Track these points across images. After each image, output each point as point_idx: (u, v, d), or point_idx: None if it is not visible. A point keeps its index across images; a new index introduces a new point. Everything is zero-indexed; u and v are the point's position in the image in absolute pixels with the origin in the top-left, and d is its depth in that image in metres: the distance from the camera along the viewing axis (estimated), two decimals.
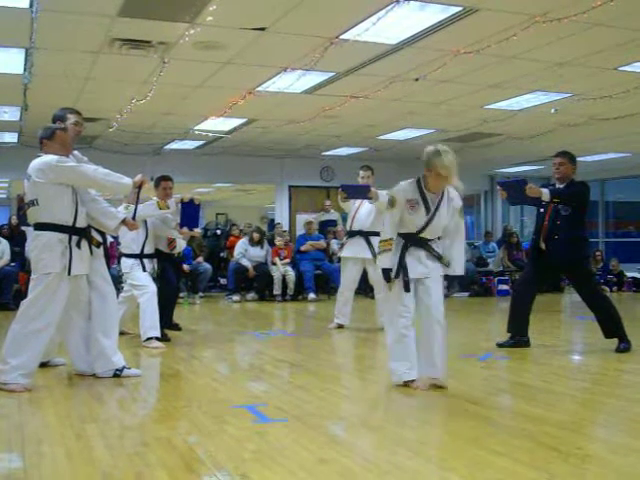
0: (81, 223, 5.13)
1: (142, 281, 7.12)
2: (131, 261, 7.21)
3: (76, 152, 5.53)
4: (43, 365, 5.45)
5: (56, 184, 5.00)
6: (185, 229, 7.52)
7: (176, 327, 7.88)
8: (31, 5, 6.15)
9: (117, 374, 5.30)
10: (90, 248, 5.25)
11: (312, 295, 12.47)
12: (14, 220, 12.07)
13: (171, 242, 7.57)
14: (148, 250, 7.27)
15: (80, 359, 5.42)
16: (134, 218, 5.49)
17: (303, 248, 13.06)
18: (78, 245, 5.07)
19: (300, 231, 15.32)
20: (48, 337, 5.06)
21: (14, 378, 4.88)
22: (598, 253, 15.43)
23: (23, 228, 11.39)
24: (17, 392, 4.81)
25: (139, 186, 5.33)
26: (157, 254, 7.45)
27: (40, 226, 5.05)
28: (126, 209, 6.18)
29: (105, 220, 5.36)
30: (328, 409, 4.53)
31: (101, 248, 5.53)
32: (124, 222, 5.44)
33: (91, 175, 5.09)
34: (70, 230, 5.04)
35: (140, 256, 7.19)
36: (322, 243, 13.29)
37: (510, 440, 3.69)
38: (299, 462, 3.34)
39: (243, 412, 4.26)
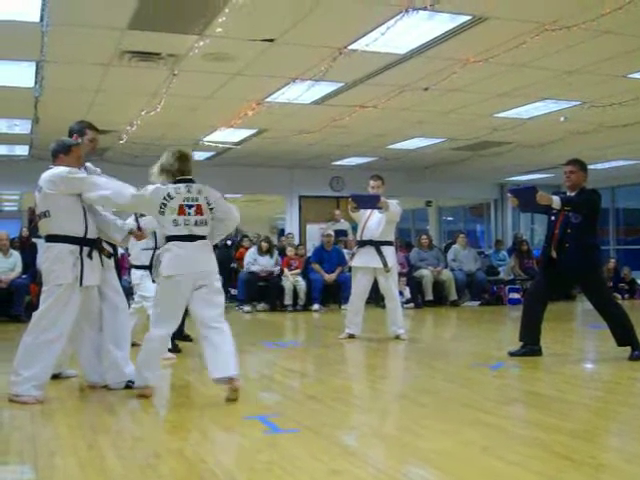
0: (92, 234, 5.14)
1: (152, 292, 7.12)
2: (140, 272, 7.23)
3: (89, 164, 5.55)
4: (55, 377, 5.45)
5: (67, 195, 5.02)
6: None
7: (187, 338, 7.88)
8: (41, 19, 6.20)
9: (129, 385, 5.29)
10: (101, 259, 5.26)
11: (316, 306, 12.46)
12: (25, 232, 12.12)
13: None
14: None
15: (92, 370, 5.42)
16: (139, 228, 5.48)
17: (316, 269, 12.91)
18: (89, 256, 5.09)
19: (310, 241, 15.33)
20: (60, 348, 5.07)
21: (27, 390, 4.89)
22: (612, 261, 15.34)
23: (34, 240, 11.44)
24: (29, 404, 4.82)
25: None
26: None
27: (51, 238, 5.07)
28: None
29: (112, 233, 5.37)
30: (340, 419, 4.52)
31: (112, 259, 5.55)
32: (131, 233, 5.45)
33: (103, 185, 5.10)
34: (81, 241, 5.06)
35: (150, 267, 7.20)
36: (332, 276, 12.87)
37: (523, 449, 3.67)
38: (311, 473, 3.33)
39: (254, 423, 4.26)
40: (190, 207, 4.97)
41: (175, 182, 5.02)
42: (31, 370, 4.90)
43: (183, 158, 5.09)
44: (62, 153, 5.18)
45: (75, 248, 5.03)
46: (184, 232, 4.96)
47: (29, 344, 4.95)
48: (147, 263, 7.19)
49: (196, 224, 4.98)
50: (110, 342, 5.32)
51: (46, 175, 5.08)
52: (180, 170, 5.04)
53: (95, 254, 5.16)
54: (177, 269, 4.93)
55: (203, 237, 5.03)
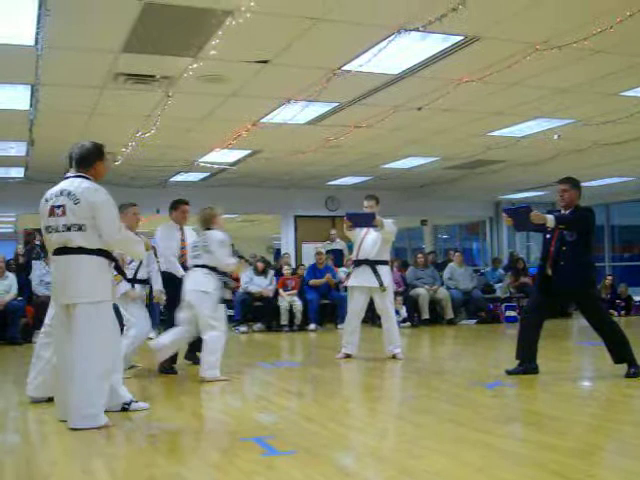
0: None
1: (133, 316, 7.14)
2: (123, 284, 7.14)
3: None
4: (51, 400, 5.42)
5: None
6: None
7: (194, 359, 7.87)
8: (36, 42, 6.23)
9: (125, 408, 5.26)
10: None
11: (312, 326, 12.46)
12: (20, 250, 12.03)
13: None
14: (141, 276, 7.30)
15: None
16: None
17: (312, 283, 12.98)
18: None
19: (306, 261, 15.32)
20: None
21: (104, 419, 4.84)
22: (609, 278, 15.36)
23: (34, 262, 11.41)
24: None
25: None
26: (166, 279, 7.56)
27: (89, 251, 4.91)
28: None
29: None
30: (337, 440, 4.50)
31: None
32: None
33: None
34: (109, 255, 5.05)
35: (133, 280, 7.17)
36: (329, 277, 13.14)
37: (519, 469, 3.66)
38: None
39: (251, 445, 4.24)
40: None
41: None
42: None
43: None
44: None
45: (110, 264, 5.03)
46: None
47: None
48: (130, 276, 7.14)
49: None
50: None
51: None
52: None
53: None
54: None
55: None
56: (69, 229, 4.86)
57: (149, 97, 8.11)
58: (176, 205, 7.82)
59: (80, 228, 4.85)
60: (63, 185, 4.98)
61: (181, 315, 6.93)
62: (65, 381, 4.90)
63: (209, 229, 7.00)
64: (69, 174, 5.05)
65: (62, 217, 4.88)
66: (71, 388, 4.79)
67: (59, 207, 4.90)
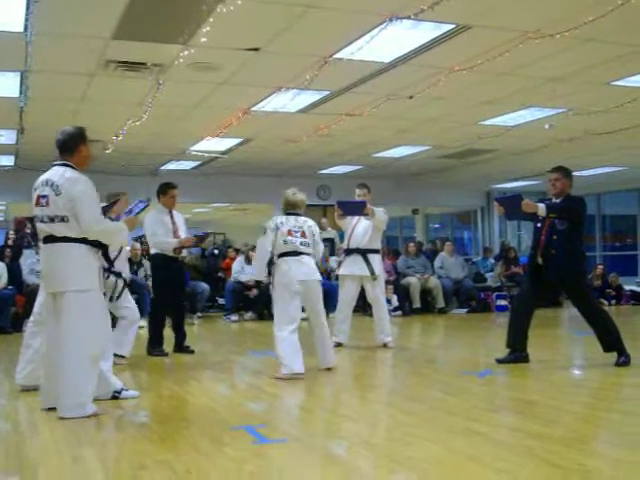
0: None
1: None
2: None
3: None
4: (37, 389, 5.39)
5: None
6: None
7: (188, 349, 7.89)
8: (26, 29, 6.18)
9: (115, 396, 5.25)
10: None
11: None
12: (11, 235, 11.96)
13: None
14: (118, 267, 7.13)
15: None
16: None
17: None
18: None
19: None
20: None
21: (92, 408, 4.82)
22: (600, 267, 15.41)
23: (25, 251, 11.34)
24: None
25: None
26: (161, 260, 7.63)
27: (75, 240, 4.87)
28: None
29: None
30: (327, 429, 4.51)
31: None
32: None
33: None
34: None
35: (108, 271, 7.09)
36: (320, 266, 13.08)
37: (510, 457, 3.67)
38: None
39: (242, 433, 4.23)
40: None
41: None
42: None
43: None
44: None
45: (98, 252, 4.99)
46: None
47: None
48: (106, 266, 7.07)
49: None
50: None
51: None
52: None
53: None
54: None
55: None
56: (52, 220, 4.86)
57: (140, 85, 8.08)
58: (165, 189, 7.78)
59: (63, 219, 4.84)
60: (49, 174, 4.96)
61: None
62: (53, 369, 4.88)
63: (300, 215, 6.87)
64: (55, 162, 5.02)
65: (46, 208, 4.88)
66: (59, 376, 4.78)
67: (44, 197, 4.89)
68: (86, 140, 5.07)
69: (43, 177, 4.97)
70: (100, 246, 5.02)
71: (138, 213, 5.37)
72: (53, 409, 4.84)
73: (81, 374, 4.76)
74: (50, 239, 4.89)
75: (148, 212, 7.86)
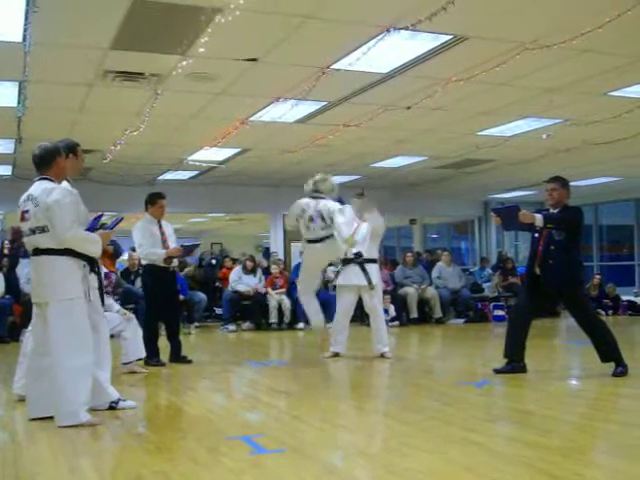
0: None
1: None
2: None
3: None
4: None
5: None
6: None
7: (185, 359, 7.87)
8: (24, 39, 6.19)
9: (112, 406, 5.24)
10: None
11: (302, 324, 12.44)
12: (7, 244, 11.94)
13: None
14: None
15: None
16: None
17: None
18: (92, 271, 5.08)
19: (295, 260, 15.29)
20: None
21: (85, 417, 4.81)
22: (597, 277, 15.41)
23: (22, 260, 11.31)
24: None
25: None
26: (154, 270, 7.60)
27: (58, 251, 4.91)
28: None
29: None
30: (325, 439, 4.50)
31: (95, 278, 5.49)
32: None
33: None
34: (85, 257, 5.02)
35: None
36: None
37: (507, 467, 3.66)
38: None
39: (239, 443, 4.22)
40: None
41: None
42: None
43: None
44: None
45: (83, 263, 4.99)
46: None
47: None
48: None
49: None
50: (92, 363, 5.25)
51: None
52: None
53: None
54: None
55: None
56: (34, 232, 4.95)
57: (138, 95, 8.09)
58: (154, 199, 7.77)
59: (43, 230, 4.90)
60: (30, 190, 5.06)
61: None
62: (37, 378, 4.96)
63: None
64: (35, 178, 5.10)
65: (27, 222, 4.98)
66: (53, 386, 4.82)
67: (27, 212, 5.00)
68: (62, 154, 5.14)
69: (25, 194, 5.08)
70: (87, 259, 5.03)
71: (112, 228, 5.38)
72: (41, 419, 4.87)
73: (71, 383, 4.80)
74: (36, 252, 4.99)
75: (136, 223, 7.85)
